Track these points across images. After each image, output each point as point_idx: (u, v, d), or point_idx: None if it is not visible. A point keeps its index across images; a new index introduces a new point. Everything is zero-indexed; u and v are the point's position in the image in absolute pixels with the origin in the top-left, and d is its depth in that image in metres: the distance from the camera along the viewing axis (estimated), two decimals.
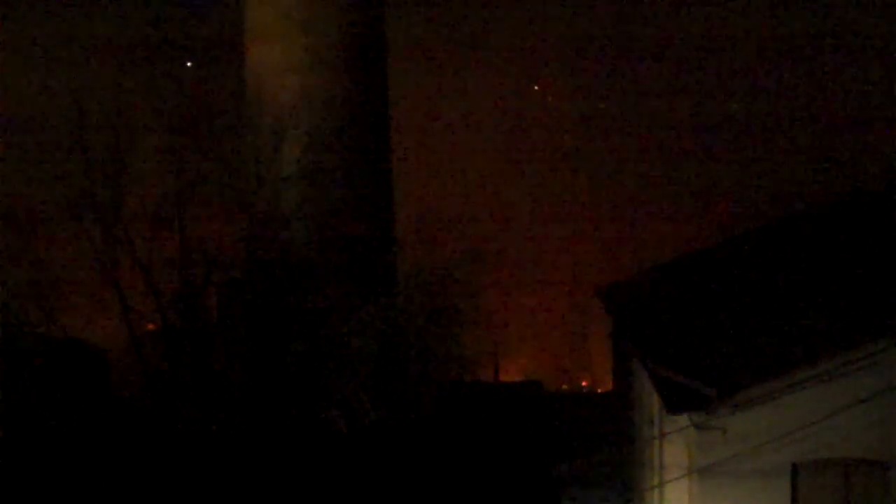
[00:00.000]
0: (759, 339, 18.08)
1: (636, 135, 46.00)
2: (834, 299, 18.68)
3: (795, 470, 17.03)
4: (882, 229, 21.46)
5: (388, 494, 17.94)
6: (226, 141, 22.58)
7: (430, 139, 43.08)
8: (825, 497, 17.16)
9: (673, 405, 17.17)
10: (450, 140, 44.71)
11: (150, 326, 21.63)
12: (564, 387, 39.11)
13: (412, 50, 40.44)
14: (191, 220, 21.29)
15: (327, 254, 22.76)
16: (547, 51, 46.75)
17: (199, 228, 21.34)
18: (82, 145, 20.96)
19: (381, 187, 25.80)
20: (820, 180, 40.09)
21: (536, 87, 47.93)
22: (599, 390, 37.55)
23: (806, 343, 17.37)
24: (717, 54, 45.67)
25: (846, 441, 16.84)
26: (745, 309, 19.59)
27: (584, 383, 40.82)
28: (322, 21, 25.24)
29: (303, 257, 22.21)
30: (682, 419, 17.31)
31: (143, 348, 20.79)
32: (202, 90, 23.08)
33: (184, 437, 19.52)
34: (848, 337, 17.10)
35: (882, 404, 16.71)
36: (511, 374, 37.17)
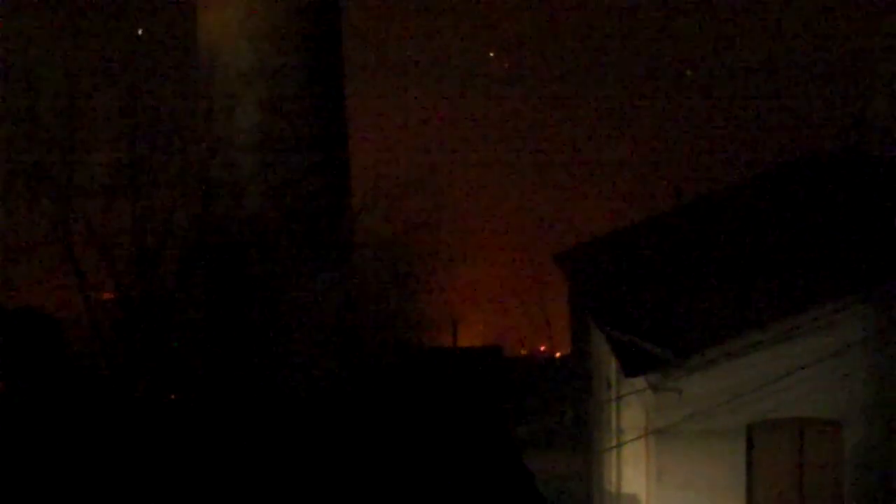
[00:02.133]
0: (714, 302, 18.28)
1: (594, 101, 46.09)
2: (787, 262, 18.90)
3: (750, 430, 17.27)
4: (835, 193, 21.70)
5: (347, 458, 17.98)
6: (179, 107, 22.34)
7: (387, 107, 42.90)
8: (780, 456, 17.43)
9: (630, 368, 17.33)
10: (408, 107, 44.56)
11: (106, 295, 21.43)
12: (523, 351, 39.29)
13: (369, 17, 40.15)
14: (145, 188, 21.07)
15: (284, 221, 22.64)
16: (505, 18, 46.64)
17: (154, 196, 21.13)
18: (33, 110, 20.64)
19: (337, 154, 25.64)
20: (774, 144, 40.39)
21: (492, 55, 47.84)
22: (558, 354, 37.75)
23: (759, 305, 17.59)
24: (670, 16, 45.78)
25: (800, 401, 17.10)
26: (700, 273, 19.78)
27: (542, 348, 41.03)
28: None
29: (259, 225, 22.09)
30: (639, 382, 17.48)
31: (99, 317, 20.60)
32: (154, 56, 22.80)
33: (141, 407, 19.41)
34: (800, 299, 17.31)
35: (834, 365, 16.96)
36: (470, 339, 37.28)
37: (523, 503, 17.70)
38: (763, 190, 23.66)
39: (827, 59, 44.91)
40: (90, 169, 20.99)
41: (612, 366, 19.58)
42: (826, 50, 44.92)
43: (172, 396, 20.68)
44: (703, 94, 46.08)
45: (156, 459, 17.18)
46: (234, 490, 17.04)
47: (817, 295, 17.19)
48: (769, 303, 17.49)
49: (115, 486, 16.62)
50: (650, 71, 46.06)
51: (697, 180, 37.03)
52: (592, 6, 46.10)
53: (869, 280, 17.25)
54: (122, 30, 24.50)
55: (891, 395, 17.06)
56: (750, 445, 17.25)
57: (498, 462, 18.70)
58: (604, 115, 45.98)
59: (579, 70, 46.18)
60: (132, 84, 21.62)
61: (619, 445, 19.44)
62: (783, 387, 16.88)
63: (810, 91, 44.41)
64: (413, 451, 18.22)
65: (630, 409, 18.83)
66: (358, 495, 17.11)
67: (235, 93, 23.54)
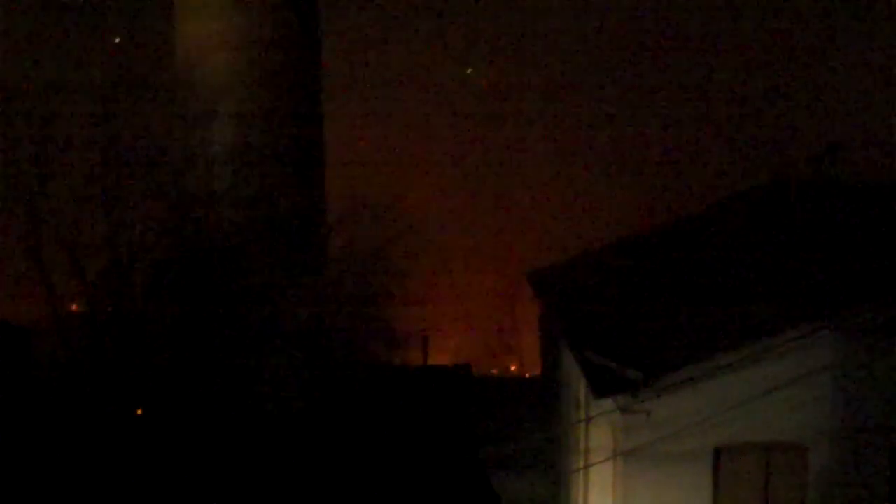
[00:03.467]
0: (684, 324, 18.37)
1: (568, 121, 46.28)
2: (758, 286, 19.03)
3: (717, 453, 17.34)
4: (806, 218, 21.87)
5: (314, 475, 17.93)
6: (155, 118, 22.29)
7: (362, 122, 42.92)
8: (746, 480, 17.51)
9: (599, 389, 17.38)
10: (382, 123, 44.59)
11: (75, 307, 21.30)
12: (493, 371, 39.28)
13: (345, 32, 40.20)
14: (118, 199, 20.98)
15: (257, 235, 22.60)
16: (481, 32, 46.79)
17: (127, 207, 21.04)
18: (6, 117, 20.53)
19: (312, 168, 25.64)
20: (747, 166, 40.68)
21: (469, 70, 47.98)
22: (528, 374, 37.77)
23: (729, 329, 17.68)
24: (647, 35, 46.09)
25: (767, 425, 17.19)
26: (670, 295, 19.87)
27: (512, 367, 41.06)
28: None
29: (232, 238, 22.03)
30: (608, 403, 17.52)
31: (67, 329, 20.47)
32: (131, 66, 22.75)
33: (108, 420, 19.29)
34: (769, 323, 17.42)
35: (802, 389, 17.08)
36: (440, 357, 37.24)
37: None
38: (734, 214, 23.83)
39: (800, 85, 45.33)
40: (63, 179, 20.90)
41: (581, 386, 19.63)
42: (800, 76, 45.34)
43: (139, 411, 20.56)
44: (676, 118, 46.40)
45: (121, 472, 17.08)
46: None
47: (786, 319, 17.32)
48: (739, 326, 17.60)
49: (80, 496, 16.51)
50: (624, 94, 46.31)
51: (670, 202, 37.22)
52: (571, 25, 46.36)
53: (837, 305, 17.40)
54: (100, 39, 24.46)
55: (857, 420, 17.19)
56: (717, 468, 17.32)
57: (464, 483, 18.69)
58: (579, 133, 46.17)
59: (554, 88, 46.38)
60: (108, 94, 21.56)
61: (587, 467, 19.47)
62: (751, 410, 16.98)
63: (783, 116, 44.78)
64: (379, 470, 18.18)
65: (598, 431, 18.88)
66: None
67: (212, 105, 23.52)
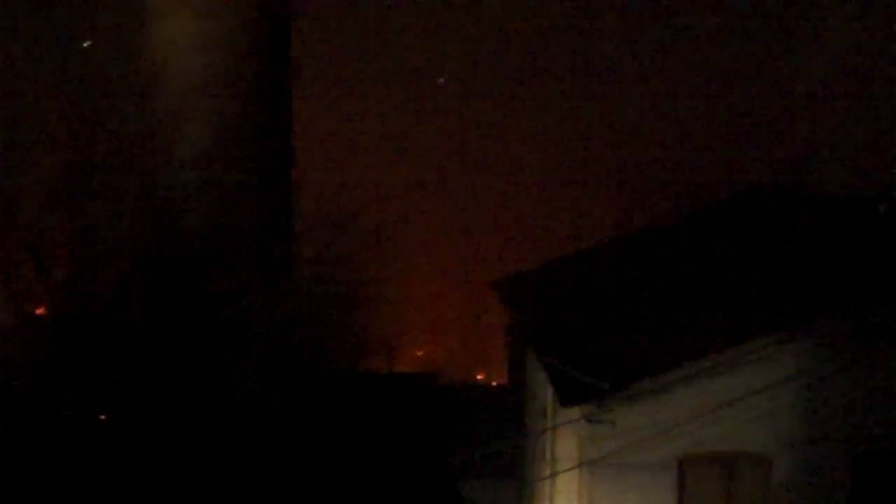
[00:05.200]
0: (651, 333, 18.45)
1: (537, 128, 46.44)
2: (723, 296, 19.14)
3: (682, 463, 17.42)
4: (772, 229, 22.04)
5: (277, 480, 17.83)
6: (123, 121, 22.15)
7: (331, 127, 42.85)
8: (710, 489, 17.60)
9: (566, 398, 17.42)
10: (351, 128, 44.55)
11: (39, 310, 21.10)
12: (461, 379, 39.27)
13: (317, 36, 40.13)
14: (84, 202, 20.81)
15: (224, 240, 22.47)
16: (451, 42, 46.87)
17: (93, 210, 20.88)
18: None
19: (280, 174, 25.53)
20: (717, 177, 40.91)
21: (441, 80, 48.05)
22: (494, 383, 37.80)
23: (695, 338, 17.77)
24: (619, 45, 46.34)
25: (731, 435, 17.28)
26: (637, 304, 19.95)
27: (479, 376, 41.06)
28: (227, 1, 24.87)
29: (199, 242, 21.90)
30: (574, 412, 17.56)
31: (31, 333, 20.26)
32: (99, 67, 22.59)
33: (71, 424, 19.11)
34: (734, 333, 17.53)
35: (766, 399, 17.19)
36: (406, 364, 37.20)
37: None
38: (701, 224, 23.98)
39: (769, 98, 45.70)
40: (28, 176, 20.72)
41: (548, 395, 19.66)
42: (770, 88, 45.72)
43: (103, 416, 20.38)
44: (646, 129, 46.65)
45: (82, 478, 16.91)
46: None
47: (752, 329, 17.43)
48: (704, 336, 17.70)
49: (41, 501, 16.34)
50: (595, 105, 46.52)
51: (638, 212, 37.41)
52: (543, 35, 46.54)
53: (801, 316, 17.52)
54: (69, 36, 24.23)
55: (819, 431, 17.31)
56: (681, 478, 17.40)
57: (429, 489, 18.65)
58: (548, 143, 46.34)
59: (527, 97, 46.54)
60: (76, 92, 21.40)
61: (553, 476, 19.50)
62: (715, 420, 17.07)
63: (750, 128, 45.13)
64: (343, 476, 18.11)
65: (564, 440, 18.91)
66: None
67: (181, 106, 23.36)
